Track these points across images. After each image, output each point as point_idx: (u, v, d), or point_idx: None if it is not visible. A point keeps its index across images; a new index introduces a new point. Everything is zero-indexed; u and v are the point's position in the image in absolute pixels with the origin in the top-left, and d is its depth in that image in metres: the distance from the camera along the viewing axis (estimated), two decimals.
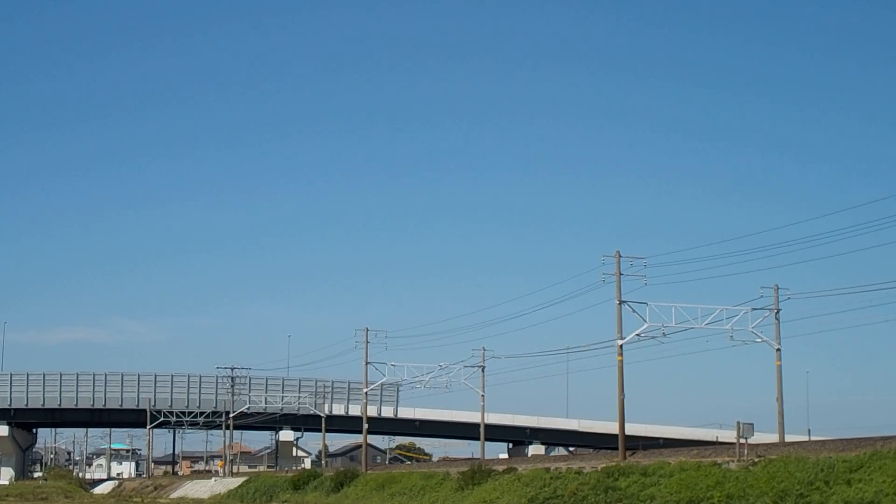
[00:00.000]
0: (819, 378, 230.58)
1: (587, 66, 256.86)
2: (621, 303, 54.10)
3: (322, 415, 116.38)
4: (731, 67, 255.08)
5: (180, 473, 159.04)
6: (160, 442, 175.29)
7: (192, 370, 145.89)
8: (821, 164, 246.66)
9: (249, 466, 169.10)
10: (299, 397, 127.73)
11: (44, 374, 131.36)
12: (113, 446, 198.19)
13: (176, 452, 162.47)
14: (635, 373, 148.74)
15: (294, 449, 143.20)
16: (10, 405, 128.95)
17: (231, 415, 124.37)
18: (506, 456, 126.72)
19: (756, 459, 40.46)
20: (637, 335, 54.69)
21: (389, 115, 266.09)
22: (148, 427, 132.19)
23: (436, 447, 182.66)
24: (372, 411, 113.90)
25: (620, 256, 54.56)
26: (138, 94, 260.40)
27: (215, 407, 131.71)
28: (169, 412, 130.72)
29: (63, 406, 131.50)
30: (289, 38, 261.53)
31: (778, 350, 58.86)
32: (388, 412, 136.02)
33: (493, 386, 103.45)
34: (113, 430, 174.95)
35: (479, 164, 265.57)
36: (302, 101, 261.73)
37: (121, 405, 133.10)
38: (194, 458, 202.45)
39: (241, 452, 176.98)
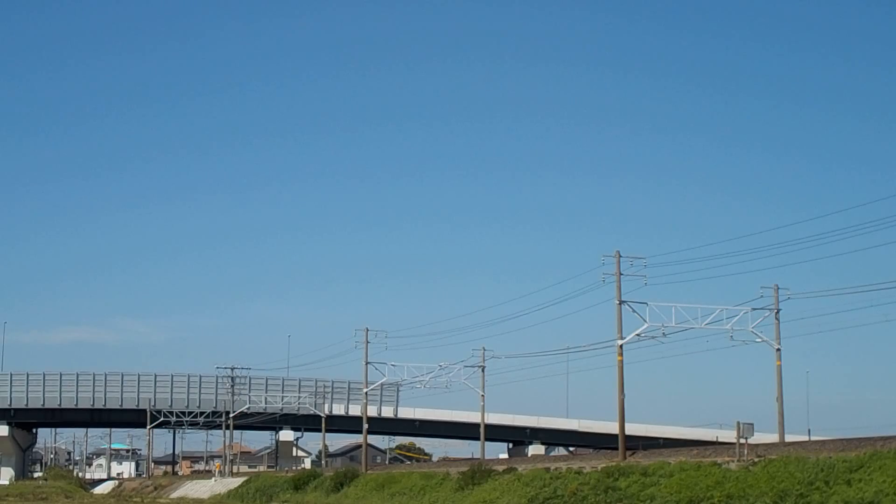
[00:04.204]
0: (819, 378, 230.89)
1: (588, 66, 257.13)
2: (621, 303, 54.08)
3: (322, 415, 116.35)
4: (731, 67, 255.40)
5: (180, 473, 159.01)
6: (160, 442, 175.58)
7: (192, 370, 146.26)
8: (821, 164, 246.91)
9: (249, 466, 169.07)
10: (299, 397, 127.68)
11: (44, 374, 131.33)
12: (113, 446, 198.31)
13: (176, 452, 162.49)
14: (635, 373, 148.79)
15: (294, 449, 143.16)
16: (10, 405, 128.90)
17: (231, 415, 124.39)
18: (506, 456, 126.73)
19: (756, 459, 40.47)
20: (637, 335, 54.67)
21: (389, 115, 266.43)
22: (148, 427, 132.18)
23: (436, 447, 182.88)
24: (372, 411, 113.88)
25: (620, 256, 54.55)
26: (138, 94, 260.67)
27: (215, 407, 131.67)
28: (169, 412, 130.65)
29: (63, 406, 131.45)
30: (289, 38, 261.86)
31: (778, 350, 58.85)
32: (388, 412, 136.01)
33: (493, 386, 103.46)
34: (113, 430, 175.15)
35: (479, 164, 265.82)
36: (302, 101, 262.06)
37: (121, 405, 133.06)
38: (194, 458, 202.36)
39: (241, 452, 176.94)
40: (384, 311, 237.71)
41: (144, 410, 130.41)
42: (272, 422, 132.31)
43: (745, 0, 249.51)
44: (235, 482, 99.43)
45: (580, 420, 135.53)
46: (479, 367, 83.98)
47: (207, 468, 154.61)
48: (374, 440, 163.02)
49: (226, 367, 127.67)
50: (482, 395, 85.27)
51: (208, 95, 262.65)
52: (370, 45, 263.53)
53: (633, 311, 54.35)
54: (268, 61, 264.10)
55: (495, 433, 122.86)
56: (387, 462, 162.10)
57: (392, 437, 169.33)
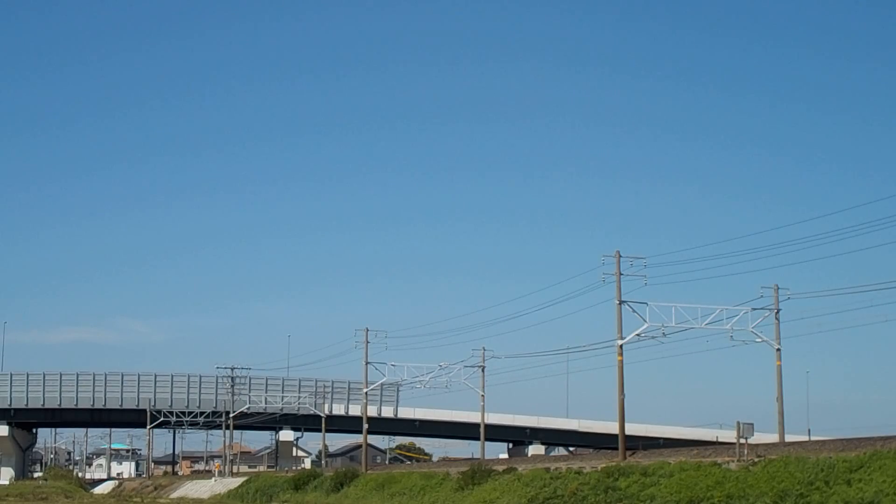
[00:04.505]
0: (819, 378, 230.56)
1: (587, 66, 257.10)
2: (621, 303, 54.08)
3: (322, 415, 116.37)
4: (731, 67, 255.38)
5: (180, 473, 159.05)
6: (160, 442, 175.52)
7: (192, 370, 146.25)
8: (821, 164, 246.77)
9: (249, 466, 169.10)
10: (299, 397, 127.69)
11: (44, 374, 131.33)
12: (113, 446, 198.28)
13: (176, 452, 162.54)
14: (635, 373, 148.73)
15: (294, 449, 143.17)
16: (10, 405, 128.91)
17: (231, 415, 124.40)
18: (506, 456, 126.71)
19: (756, 459, 40.47)
20: (637, 335, 54.67)
21: (389, 115, 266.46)
22: (148, 427, 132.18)
23: (436, 447, 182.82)
24: (372, 411, 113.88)
25: (620, 256, 54.54)
26: (138, 94, 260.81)
27: (215, 407, 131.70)
28: (169, 412, 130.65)
29: (63, 406, 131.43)
30: (289, 38, 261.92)
31: (778, 350, 58.84)
32: (388, 412, 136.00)
33: (493, 386, 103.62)
34: (113, 430, 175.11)
35: (480, 164, 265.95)
36: (302, 101, 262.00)
37: (121, 405, 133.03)
38: (194, 458, 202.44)
39: (241, 452, 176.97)
40: (384, 311, 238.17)
41: (144, 410, 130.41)
42: (272, 422, 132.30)
43: (745, 0, 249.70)
44: (235, 482, 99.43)
45: (580, 420, 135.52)
46: (479, 367, 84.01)
47: (207, 468, 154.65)
48: (374, 440, 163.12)
49: (226, 367, 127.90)
50: (482, 395, 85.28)
51: (208, 95, 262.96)
52: (370, 45, 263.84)
53: (633, 311, 54.37)
54: (268, 61, 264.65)
55: (495, 433, 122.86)
56: (387, 462, 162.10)
57: (392, 437, 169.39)
